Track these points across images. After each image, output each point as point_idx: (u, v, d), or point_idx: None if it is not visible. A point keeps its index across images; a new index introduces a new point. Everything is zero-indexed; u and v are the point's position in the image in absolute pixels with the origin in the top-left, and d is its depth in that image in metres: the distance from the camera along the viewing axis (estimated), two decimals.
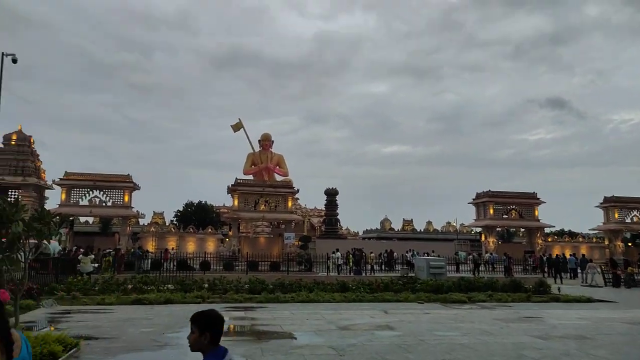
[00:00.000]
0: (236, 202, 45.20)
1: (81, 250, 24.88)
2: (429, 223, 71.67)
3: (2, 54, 17.39)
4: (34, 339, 7.08)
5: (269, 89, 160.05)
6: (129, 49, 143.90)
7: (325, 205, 61.31)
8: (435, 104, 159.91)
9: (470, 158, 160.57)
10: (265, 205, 45.86)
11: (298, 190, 46.12)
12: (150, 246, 43.31)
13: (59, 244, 32.98)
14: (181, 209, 72.53)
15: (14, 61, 17.49)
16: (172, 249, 37.59)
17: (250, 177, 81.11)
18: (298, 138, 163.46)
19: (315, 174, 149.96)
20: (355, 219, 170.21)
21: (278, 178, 73.86)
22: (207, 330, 2.55)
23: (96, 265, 23.10)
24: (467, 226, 61.70)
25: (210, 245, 45.13)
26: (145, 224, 58.79)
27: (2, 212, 6.39)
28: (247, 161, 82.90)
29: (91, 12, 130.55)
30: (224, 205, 77.80)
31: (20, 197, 41.73)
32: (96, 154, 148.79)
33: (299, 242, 46.16)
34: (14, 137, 41.87)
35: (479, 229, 56.39)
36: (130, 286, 16.95)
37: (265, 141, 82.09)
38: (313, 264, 29.81)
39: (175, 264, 26.82)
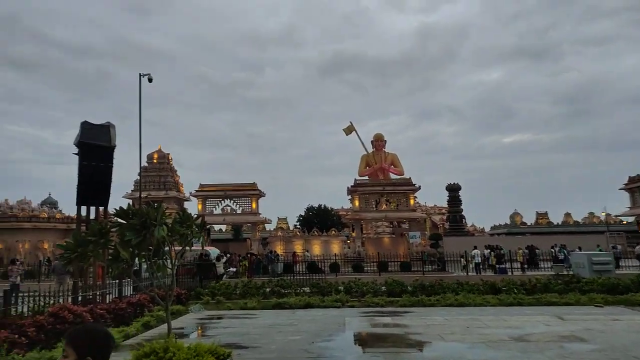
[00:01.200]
0: (357, 203, 44.47)
1: (227, 255, 25.85)
2: (568, 215, 64.25)
3: (140, 74, 18.33)
4: (187, 350, 6.61)
5: (374, 90, 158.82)
6: (242, 68, 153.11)
7: (447, 201, 57.93)
8: (556, 86, 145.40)
9: (607, 140, 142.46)
10: (386, 205, 44.45)
11: (419, 188, 43.97)
12: (279, 250, 44.40)
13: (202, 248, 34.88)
14: (303, 214, 74.00)
15: (150, 80, 18.37)
16: (305, 251, 37.81)
17: (366, 178, 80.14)
18: (409, 136, 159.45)
19: (431, 171, 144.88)
20: (478, 214, 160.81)
21: (393, 177, 71.87)
22: (89, 355, 1.84)
23: (234, 269, 23.75)
24: (618, 216, 53.98)
25: (335, 247, 44.94)
26: (271, 229, 60.99)
27: (147, 216, 5.88)
28: (362, 163, 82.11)
29: (208, 41, 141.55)
30: (342, 207, 77.96)
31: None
32: (223, 168, 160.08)
33: (428, 241, 43.84)
34: (155, 155, 45.97)
35: (630, 219, 48.96)
36: (268, 289, 16.77)
37: (378, 141, 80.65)
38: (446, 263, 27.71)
39: (305, 266, 26.74)
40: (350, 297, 14.71)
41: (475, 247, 26.53)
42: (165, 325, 10.91)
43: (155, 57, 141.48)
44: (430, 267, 27.73)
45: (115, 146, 12.15)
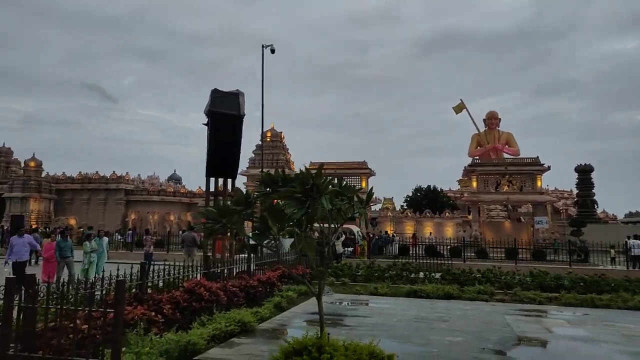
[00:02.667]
0: (474, 184, 41.06)
1: (344, 234, 24.93)
2: None
3: (262, 45, 17.52)
4: (344, 351, 5.34)
5: (484, 66, 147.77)
6: (347, 49, 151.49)
7: (576, 184, 51.61)
8: None
9: None
10: (508, 187, 40.46)
11: (549, 168, 39.22)
12: (389, 231, 42.81)
13: None
14: (410, 194, 71.30)
15: (272, 51, 17.55)
16: (429, 233, 35.78)
17: (477, 159, 74.66)
18: (525, 114, 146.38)
19: (550, 152, 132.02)
20: (607, 199, 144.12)
21: (507, 157, 66.23)
22: None
23: (350, 249, 22.68)
24: None
25: (448, 231, 42.13)
26: (377, 209, 59.48)
27: (312, 183, 4.61)
28: (472, 143, 76.61)
29: (311, 24, 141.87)
30: (449, 189, 73.91)
31: None
32: (328, 148, 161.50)
33: (554, 227, 39.22)
34: (269, 134, 46.51)
35: None
36: (392, 273, 15.33)
37: (491, 119, 74.58)
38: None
39: (422, 249, 24.82)
40: (494, 289, 12.66)
41: (637, 236, 22.37)
42: (297, 308, 9.93)
43: (262, 42, 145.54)
44: (569, 257, 24.19)
45: (244, 115, 11.33)
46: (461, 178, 73.03)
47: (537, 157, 40.35)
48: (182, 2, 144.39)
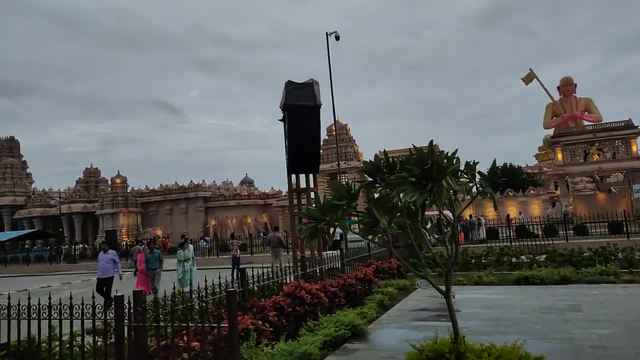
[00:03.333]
0: (560, 156, 37.98)
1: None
2: None
3: (327, 33, 16.88)
4: (487, 357, 4.51)
5: (547, 32, 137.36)
6: (399, 34, 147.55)
7: None
8: None
9: None
10: (599, 155, 37.01)
11: None
12: (468, 214, 40.75)
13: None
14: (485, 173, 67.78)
15: (337, 38, 16.87)
16: (519, 213, 33.63)
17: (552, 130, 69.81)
18: (603, 75, 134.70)
19: (637, 114, 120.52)
20: None
21: (587, 124, 61.15)
22: None
23: (437, 236, 21.46)
24: None
25: (535, 209, 39.30)
26: None
27: (432, 162, 3.84)
28: (547, 113, 71.33)
29: (362, 14, 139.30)
30: (526, 165, 69.58)
31: (348, 179, 45.77)
32: (395, 137, 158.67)
33: None
34: (334, 127, 46.05)
35: None
36: (492, 259, 14.14)
37: (566, 86, 68.97)
38: None
39: (511, 231, 23.04)
40: (618, 269, 11.11)
41: None
42: (401, 305, 9.16)
43: (315, 39, 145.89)
44: None
45: (321, 104, 10.70)
46: (539, 152, 68.32)
47: (630, 119, 36.50)
48: (234, 11, 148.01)
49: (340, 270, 10.13)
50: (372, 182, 5.15)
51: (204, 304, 5.74)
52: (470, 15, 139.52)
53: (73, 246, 35.23)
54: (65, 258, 33.17)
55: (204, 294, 5.87)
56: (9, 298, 5.32)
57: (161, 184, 50.55)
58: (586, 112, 65.59)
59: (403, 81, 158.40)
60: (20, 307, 5.34)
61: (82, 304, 4.93)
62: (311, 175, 11.51)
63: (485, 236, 24.31)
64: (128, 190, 49.64)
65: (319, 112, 10.75)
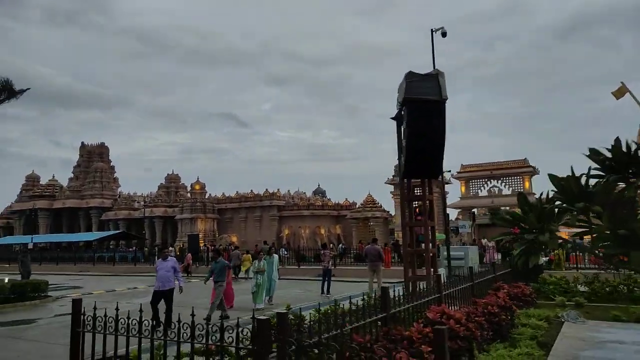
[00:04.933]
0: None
1: None
2: None
3: (432, 30, 15.41)
4: None
5: (635, 44, 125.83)
6: (471, 47, 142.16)
7: None
8: None
9: None
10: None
11: None
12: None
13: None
14: None
15: (444, 35, 15.34)
16: None
17: None
18: None
19: None
20: None
21: None
22: None
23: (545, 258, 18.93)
24: None
25: None
26: None
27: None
28: None
29: (441, 23, 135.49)
30: None
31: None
32: (475, 152, 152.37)
33: None
34: None
35: None
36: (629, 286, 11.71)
37: None
38: None
39: None
40: None
41: None
42: (564, 345, 7.27)
43: (384, 55, 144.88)
44: None
45: (447, 98, 9.16)
46: None
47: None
48: (306, 28, 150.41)
49: (471, 293, 8.42)
50: (618, 177, 3.54)
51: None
52: (547, 29, 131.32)
53: (155, 248, 35.99)
54: (147, 259, 33.83)
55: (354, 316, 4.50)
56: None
57: (237, 192, 50.97)
58: None
59: (476, 94, 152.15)
60: (131, 323, 4.27)
61: (193, 324, 3.75)
62: (425, 182, 9.97)
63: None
64: (206, 197, 50.48)
65: (444, 108, 9.21)
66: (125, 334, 4.39)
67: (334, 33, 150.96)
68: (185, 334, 3.95)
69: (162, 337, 4.33)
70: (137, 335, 4.30)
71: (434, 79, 9.25)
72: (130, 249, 42.69)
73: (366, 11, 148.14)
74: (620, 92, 68.83)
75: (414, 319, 6.08)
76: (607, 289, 11.90)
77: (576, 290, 11.97)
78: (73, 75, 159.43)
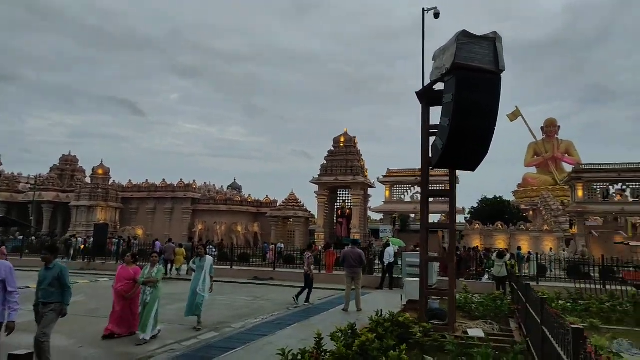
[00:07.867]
0: (580, 193, 35.73)
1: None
2: None
3: (423, 9, 13.63)
4: None
5: (520, 75, 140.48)
6: (373, 63, 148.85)
7: None
8: None
9: None
10: (620, 196, 34.94)
11: None
12: (478, 245, 37.87)
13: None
14: (476, 205, 65.73)
15: (436, 16, 13.62)
16: (548, 249, 30.76)
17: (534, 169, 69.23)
18: (575, 123, 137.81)
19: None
20: None
21: (567, 168, 60.88)
22: None
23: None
24: None
25: (548, 245, 36.77)
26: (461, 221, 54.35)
27: None
28: (529, 152, 70.65)
29: (344, 37, 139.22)
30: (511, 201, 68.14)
31: (351, 195, 42.09)
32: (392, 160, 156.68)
33: None
34: (342, 139, 42.48)
35: None
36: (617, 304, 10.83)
37: (550, 127, 68.81)
38: None
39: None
40: None
41: None
42: None
43: (297, 59, 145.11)
44: None
45: (504, 70, 7.18)
46: (517, 190, 66.88)
47: None
48: (215, 22, 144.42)
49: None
50: None
51: None
52: None
53: (42, 237, 30.03)
54: (32, 250, 27.99)
55: None
56: None
57: (147, 180, 45.47)
58: (566, 155, 64.86)
59: (377, 108, 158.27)
60: None
61: None
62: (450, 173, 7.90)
63: (535, 273, 21.13)
64: (109, 184, 44.32)
65: (500, 82, 7.23)
66: None
67: (249, 30, 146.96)
68: None
69: None
70: None
71: (491, 43, 7.22)
72: (11, 237, 35.59)
73: (284, 14, 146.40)
74: (514, 115, 73.59)
75: None
76: (605, 305, 10.87)
77: (564, 307, 10.75)
78: None
